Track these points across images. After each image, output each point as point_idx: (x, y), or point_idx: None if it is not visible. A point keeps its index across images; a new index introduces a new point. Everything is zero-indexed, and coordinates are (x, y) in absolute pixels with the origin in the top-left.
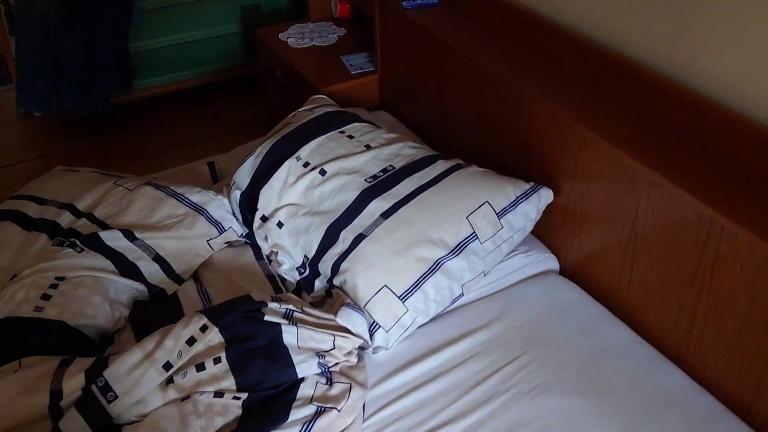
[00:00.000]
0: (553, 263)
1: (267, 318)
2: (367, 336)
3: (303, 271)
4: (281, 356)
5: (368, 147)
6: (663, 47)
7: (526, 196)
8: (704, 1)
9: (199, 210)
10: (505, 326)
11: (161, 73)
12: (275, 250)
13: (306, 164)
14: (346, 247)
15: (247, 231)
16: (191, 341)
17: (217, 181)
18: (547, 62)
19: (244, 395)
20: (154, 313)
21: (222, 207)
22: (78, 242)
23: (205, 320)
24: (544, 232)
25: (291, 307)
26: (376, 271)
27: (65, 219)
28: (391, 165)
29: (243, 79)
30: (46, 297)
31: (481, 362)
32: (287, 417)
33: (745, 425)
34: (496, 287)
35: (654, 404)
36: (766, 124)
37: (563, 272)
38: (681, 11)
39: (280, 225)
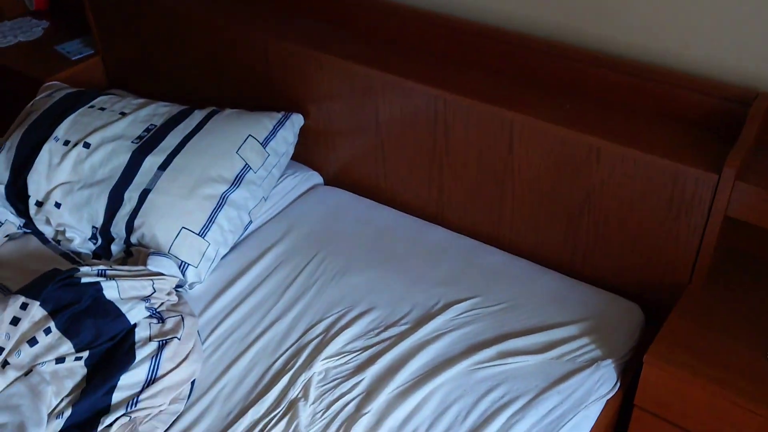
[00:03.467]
0: (317, 178)
1: (84, 280)
2: (180, 275)
3: (95, 241)
4: (109, 310)
5: (123, 114)
6: None
7: (281, 123)
8: None
9: None
10: (295, 237)
11: None
12: (61, 228)
13: (66, 142)
14: (134, 205)
15: (23, 221)
16: (15, 321)
17: None
18: (270, 5)
19: (85, 354)
20: None
21: None
22: None
23: (23, 299)
24: (303, 154)
25: (102, 266)
26: (170, 217)
27: None
28: (152, 124)
29: None
30: None
31: (286, 269)
32: (135, 358)
33: (498, 250)
34: (278, 209)
35: (430, 254)
36: (457, 14)
37: (327, 183)
38: None
39: (57, 205)
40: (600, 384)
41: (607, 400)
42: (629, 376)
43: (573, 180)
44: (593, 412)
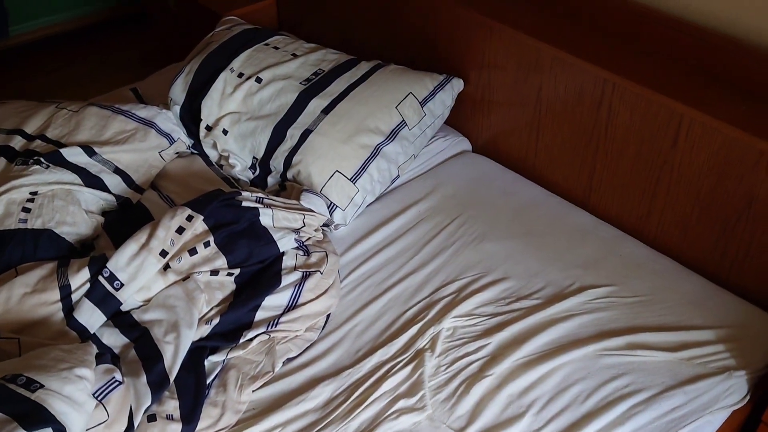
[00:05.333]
0: (466, 145)
1: (244, 204)
2: (328, 215)
3: (254, 171)
4: (262, 235)
5: (294, 55)
6: None
7: (441, 86)
8: None
9: (149, 124)
10: (440, 196)
11: (38, 16)
12: (225, 154)
13: (240, 74)
14: (295, 142)
15: (192, 142)
16: (180, 230)
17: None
18: None
19: (236, 271)
20: (125, 219)
21: (169, 120)
22: (42, 159)
23: (189, 211)
24: (456, 120)
25: (260, 194)
26: (326, 159)
27: (17, 142)
28: (320, 69)
29: (127, 18)
30: (26, 210)
31: (427, 225)
32: (280, 283)
33: (642, 244)
34: (425, 168)
35: (571, 236)
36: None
37: (475, 151)
38: None
39: (225, 132)
40: (729, 393)
41: (734, 410)
42: (761, 391)
43: (735, 185)
44: (717, 419)
